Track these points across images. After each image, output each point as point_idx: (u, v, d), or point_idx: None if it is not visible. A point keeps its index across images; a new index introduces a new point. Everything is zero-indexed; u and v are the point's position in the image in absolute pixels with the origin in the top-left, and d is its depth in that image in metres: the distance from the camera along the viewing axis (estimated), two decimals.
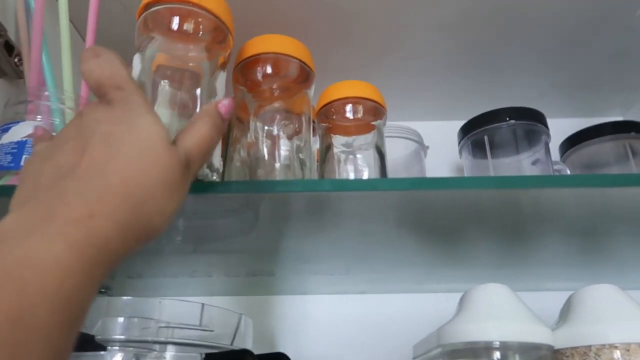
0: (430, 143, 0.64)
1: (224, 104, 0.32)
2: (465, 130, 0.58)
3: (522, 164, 0.57)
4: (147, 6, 0.38)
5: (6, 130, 0.38)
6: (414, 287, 0.61)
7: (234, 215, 0.40)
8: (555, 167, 0.59)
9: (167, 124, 0.29)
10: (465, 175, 0.61)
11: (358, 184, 0.33)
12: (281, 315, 0.60)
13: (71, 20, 0.50)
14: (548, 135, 0.56)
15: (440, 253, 0.52)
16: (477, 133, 0.57)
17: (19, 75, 0.43)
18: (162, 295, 0.59)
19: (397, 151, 0.58)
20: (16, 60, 0.42)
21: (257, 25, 0.53)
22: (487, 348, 0.33)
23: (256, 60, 0.44)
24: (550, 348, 0.34)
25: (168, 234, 0.44)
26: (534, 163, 0.58)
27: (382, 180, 0.38)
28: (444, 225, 0.44)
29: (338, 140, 0.47)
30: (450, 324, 0.35)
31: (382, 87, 0.62)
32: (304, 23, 0.54)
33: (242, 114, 0.45)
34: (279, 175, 0.41)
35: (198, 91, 0.39)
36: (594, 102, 0.68)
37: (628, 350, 0.32)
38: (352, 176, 0.43)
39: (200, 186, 0.34)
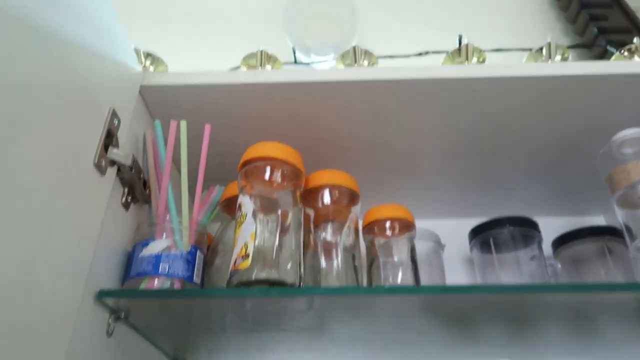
0: (447, 238, 0.78)
1: None
2: (475, 233, 0.73)
3: (520, 259, 0.71)
4: (245, 163, 0.55)
5: (146, 244, 0.54)
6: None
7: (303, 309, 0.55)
8: (548, 262, 0.73)
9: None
10: (475, 267, 0.75)
11: (393, 290, 0.48)
12: None
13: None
14: (540, 237, 0.71)
15: (456, 334, 0.65)
16: (483, 235, 0.71)
17: (147, 201, 0.59)
18: None
19: (421, 249, 0.72)
20: (147, 191, 0.58)
21: (317, 155, 0.71)
22: None
23: (317, 189, 0.60)
24: None
25: (251, 323, 0.58)
26: (531, 259, 0.72)
27: (409, 287, 0.52)
28: (459, 314, 0.58)
29: (379, 242, 0.62)
30: None
31: (410, 196, 0.79)
32: (351, 154, 0.71)
33: (308, 225, 0.61)
34: (336, 280, 0.56)
35: (279, 212, 0.55)
36: (580, 205, 0.83)
37: None
38: (391, 280, 0.58)
39: (293, 290, 0.48)
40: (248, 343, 0.67)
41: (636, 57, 0.62)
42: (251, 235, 0.49)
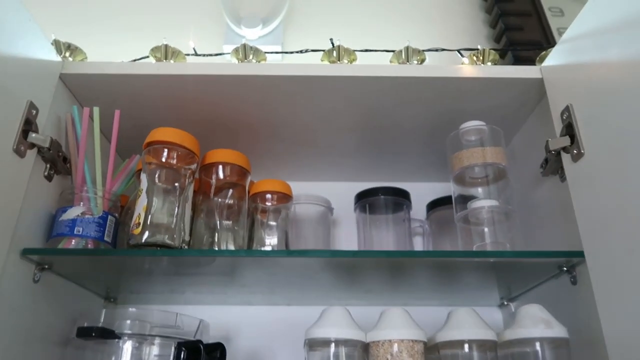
0: (341, 198, 0.93)
1: None
2: (357, 198, 0.87)
3: (391, 220, 0.87)
4: (148, 144, 0.67)
5: (65, 210, 0.66)
6: (317, 301, 0.89)
7: (197, 263, 0.69)
8: (417, 224, 0.89)
9: (163, 207, 0.59)
10: (357, 224, 0.90)
11: (266, 253, 0.62)
12: (231, 319, 0.89)
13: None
14: (409, 204, 0.86)
15: (342, 280, 0.80)
16: (362, 201, 0.86)
17: (68, 173, 0.71)
18: (154, 303, 0.88)
19: (311, 212, 0.87)
20: (68, 165, 0.70)
21: (221, 133, 0.83)
22: (327, 341, 0.62)
23: (213, 165, 0.73)
24: (363, 342, 0.63)
25: (159, 272, 0.73)
26: (403, 221, 0.87)
27: (278, 251, 0.66)
28: (343, 265, 0.72)
29: (260, 209, 0.76)
30: (311, 327, 0.63)
31: (308, 164, 0.92)
32: (252, 132, 0.83)
33: (209, 192, 0.74)
34: (223, 238, 0.70)
35: (173, 186, 0.68)
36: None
37: (399, 344, 0.61)
38: (267, 242, 0.72)
39: (175, 252, 0.62)
40: (164, 286, 0.82)
41: (484, 62, 0.74)
42: (143, 207, 0.62)
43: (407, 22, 1.19)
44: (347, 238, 0.95)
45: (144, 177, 0.66)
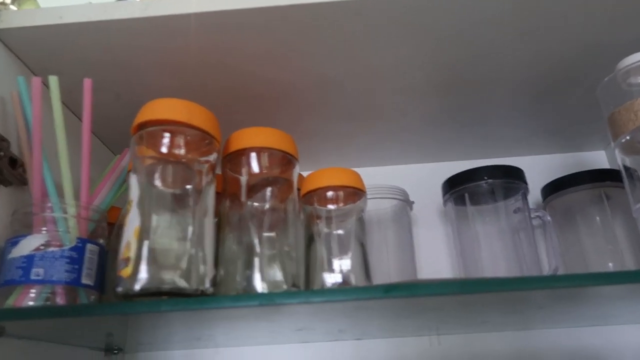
0: (420, 185, 0.68)
1: None
2: (448, 187, 0.61)
3: (501, 211, 0.60)
4: (139, 127, 0.41)
5: (15, 243, 0.42)
6: (395, 333, 0.64)
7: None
8: (535, 214, 0.62)
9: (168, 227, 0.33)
10: (450, 222, 0.64)
11: (347, 293, 0.36)
12: None
13: (67, 105, 0.54)
14: (526, 188, 0.59)
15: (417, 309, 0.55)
16: (458, 190, 0.59)
17: (24, 182, 0.46)
18: (174, 349, 0.64)
19: (385, 210, 0.61)
20: (20, 170, 0.46)
21: (250, 106, 0.57)
22: None
23: (242, 153, 0.47)
24: None
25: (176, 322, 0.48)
26: (515, 211, 0.61)
27: (369, 289, 0.39)
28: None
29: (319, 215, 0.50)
30: None
31: (371, 143, 0.66)
32: (292, 101, 0.58)
33: (235, 191, 0.48)
34: (267, 266, 0.44)
35: (188, 187, 0.43)
36: (575, 140, 0.70)
37: None
38: (336, 265, 0.46)
39: (192, 302, 0.37)
40: (186, 333, 0.57)
41: None
42: (135, 231, 0.37)
43: None
44: (430, 240, 0.68)
45: (134, 180, 0.40)
